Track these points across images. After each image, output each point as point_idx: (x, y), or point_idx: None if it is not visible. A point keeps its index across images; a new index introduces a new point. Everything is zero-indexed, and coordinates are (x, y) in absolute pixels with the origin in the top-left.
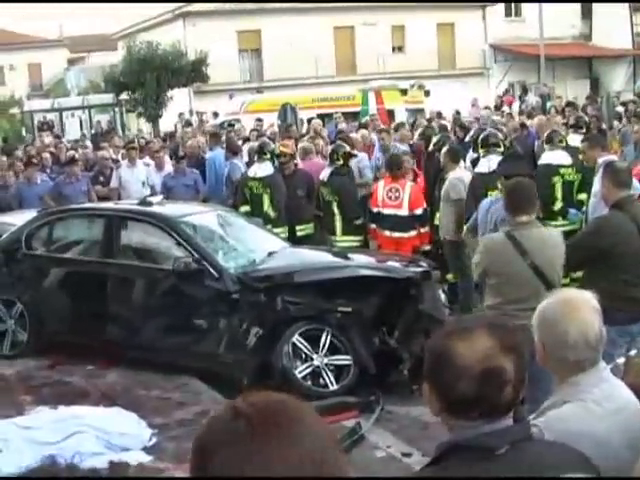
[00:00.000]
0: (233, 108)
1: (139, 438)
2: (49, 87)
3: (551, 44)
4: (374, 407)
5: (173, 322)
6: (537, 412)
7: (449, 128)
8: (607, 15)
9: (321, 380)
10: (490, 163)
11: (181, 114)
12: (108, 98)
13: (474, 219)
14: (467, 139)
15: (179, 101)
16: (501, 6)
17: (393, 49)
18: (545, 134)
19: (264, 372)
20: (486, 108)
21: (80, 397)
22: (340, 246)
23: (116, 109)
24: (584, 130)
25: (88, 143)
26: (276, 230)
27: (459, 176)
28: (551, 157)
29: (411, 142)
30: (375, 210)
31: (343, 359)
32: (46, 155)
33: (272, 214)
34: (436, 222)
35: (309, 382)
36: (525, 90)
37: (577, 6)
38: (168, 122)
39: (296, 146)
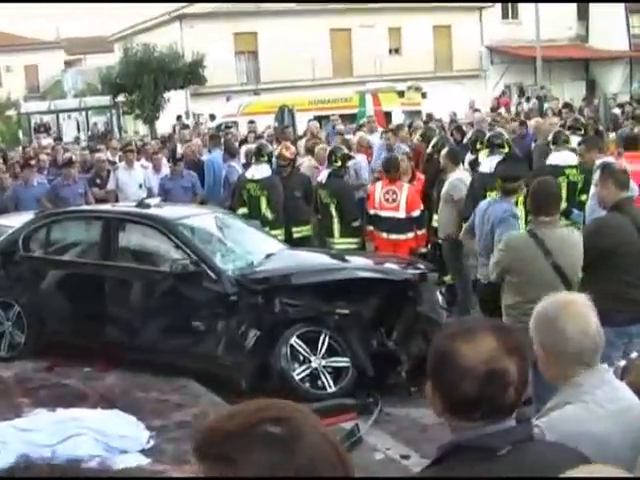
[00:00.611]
0: (230, 110)
1: (138, 440)
2: (46, 89)
3: (548, 46)
4: (372, 409)
5: (171, 324)
6: (540, 413)
7: (446, 129)
8: (604, 16)
9: (319, 382)
10: (492, 164)
11: (179, 117)
12: (105, 100)
13: (472, 221)
14: (465, 141)
15: (176, 103)
16: (498, 8)
17: (390, 51)
18: (550, 135)
19: (262, 374)
20: (476, 111)
21: (78, 399)
22: (338, 248)
23: (113, 111)
24: (582, 132)
25: (83, 145)
26: (274, 232)
27: (460, 177)
28: (558, 158)
29: (409, 143)
30: (372, 212)
31: (341, 361)
32: (43, 157)
33: (270, 216)
34: (434, 224)
35: (307, 384)
36: (522, 92)
37: (573, 7)
38: (165, 124)
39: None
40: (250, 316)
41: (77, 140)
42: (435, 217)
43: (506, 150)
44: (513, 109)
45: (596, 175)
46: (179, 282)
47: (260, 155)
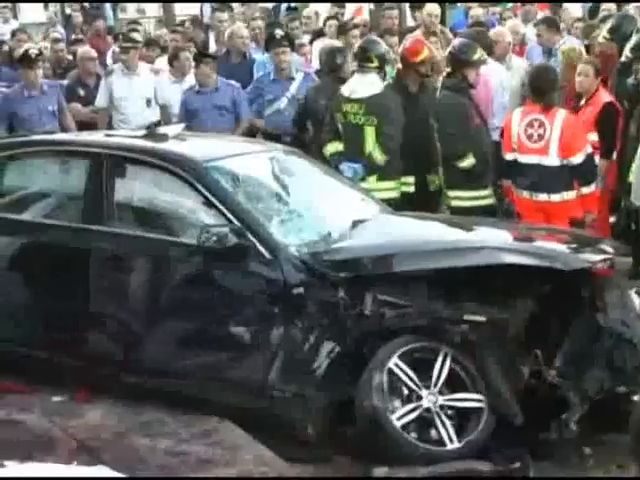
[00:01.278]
0: None
1: None
2: None
3: None
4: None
5: (195, 331)
6: None
7: None
8: None
9: (433, 432)
10: None
11: None
12: None
13: None
14: None
15: None
16: None
17: None
18: None
19: (341, 415)
20: None
21: (42, 448)
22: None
23: None
24: None
25: (61, 31)
26: (383, 184)
27: None
28: None
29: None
30: (509, 157)
31: (470, 399)
32: None
33: (379, 157)
34: (631, 179)
35: (414, 434)
36: None
37: None
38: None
39: None
40: (324, 321)
41: (52, 21)
42: (632, 169)
43: None
44: None
45: None
46: (211, 262)
47: (366, 59)
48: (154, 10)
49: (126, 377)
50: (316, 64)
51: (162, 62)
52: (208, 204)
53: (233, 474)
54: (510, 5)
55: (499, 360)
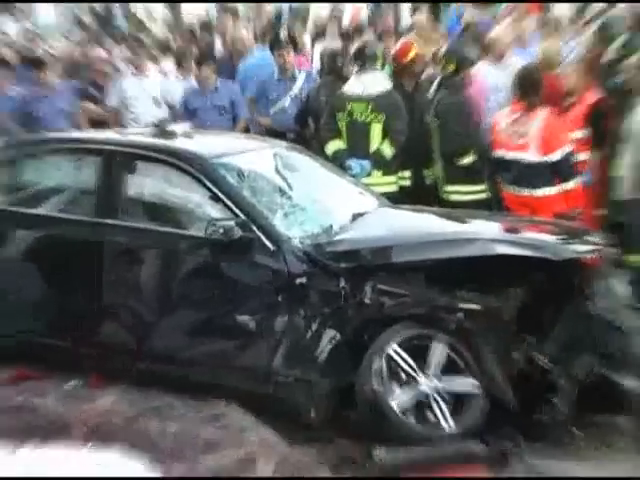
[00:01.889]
0: None
1: None
2: None
3: None
4: (511, 460)
5: (203, 319)
6: None
7: None
8: None
9: (430, 415)
10: None
11: None
12: None
13: None
14: None
15: None
16: None
17: None
18: None
19: (342, 399)
20: None
21: (56, 432)
22: (454, 200)
23: None
24: None
25: (73, 33)
26: (385, 179)
27: None
28: None
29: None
30: (496, 154)
31: (465, 384)
32: (6, 51)
33: (388, 152)
34: (621, 173)
35: (412, 417)
36: None
37: None
38: (195, 5)
39: None
40: (326, 309)
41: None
42: (622, 164)
43: None
44: None
45: None
46: (218, 254)
47: (370, 58)
48: (159, 11)
49: (137, 364)
50: (317, 65)
51: (169, 63)
52: (215, 198)
53: (240, 456)
54: (504, 6)
55: (493, 346)
